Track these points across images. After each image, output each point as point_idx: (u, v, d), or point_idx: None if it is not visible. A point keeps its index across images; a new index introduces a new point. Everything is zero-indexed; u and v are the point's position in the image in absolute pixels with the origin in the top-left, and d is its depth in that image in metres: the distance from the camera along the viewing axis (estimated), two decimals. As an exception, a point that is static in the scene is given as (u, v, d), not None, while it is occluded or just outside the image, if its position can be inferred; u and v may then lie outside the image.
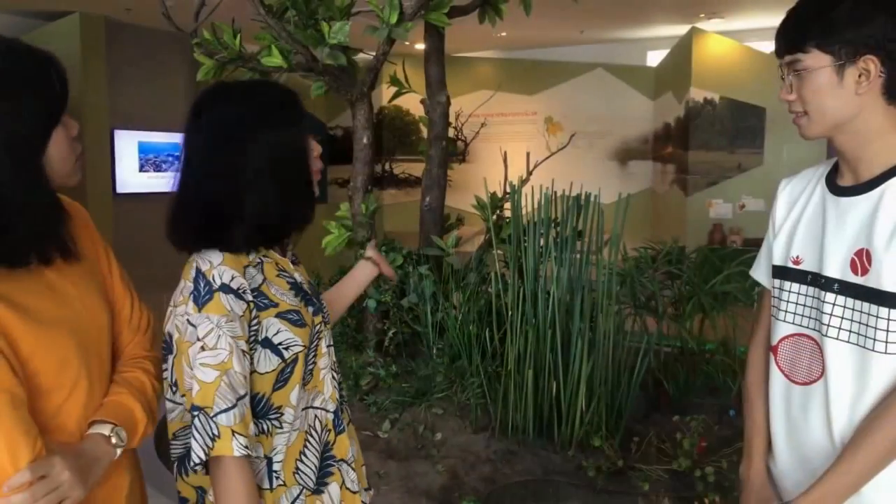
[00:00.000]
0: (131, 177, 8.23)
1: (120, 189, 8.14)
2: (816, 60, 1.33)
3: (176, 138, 8.22)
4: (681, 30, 9.38)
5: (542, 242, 3.80)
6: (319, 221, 4.80)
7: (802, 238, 1.47)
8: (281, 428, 1.32)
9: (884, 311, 1.28)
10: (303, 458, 1.37)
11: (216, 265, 1.27)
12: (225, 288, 1.25)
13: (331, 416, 1.45)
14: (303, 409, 1.38)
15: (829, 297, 1.37)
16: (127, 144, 8.19)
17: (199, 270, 1.28)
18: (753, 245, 8.10)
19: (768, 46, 8.46)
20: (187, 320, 1.25)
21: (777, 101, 1.45)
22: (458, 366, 3.94)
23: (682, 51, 9.15)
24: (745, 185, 8.68)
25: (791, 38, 1.36)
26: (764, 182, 8.57)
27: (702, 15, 9.35)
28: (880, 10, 1.28)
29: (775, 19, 1.43)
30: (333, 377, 1.48)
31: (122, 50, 8.11)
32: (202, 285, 1.26)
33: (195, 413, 1.21)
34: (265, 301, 1.31)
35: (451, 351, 4.00)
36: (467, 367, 3.87)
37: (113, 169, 8.10)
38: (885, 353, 1.29)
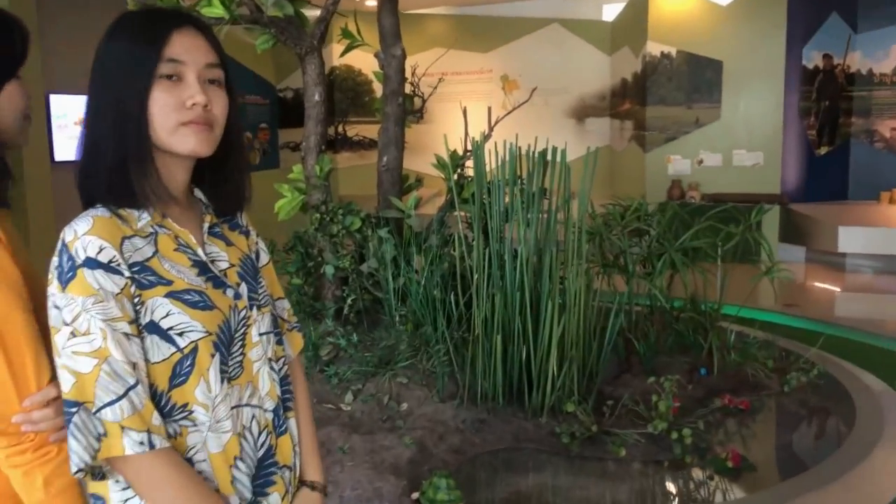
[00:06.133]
0: (71, 143, 7.77)
1: (59, 157, 7.69)
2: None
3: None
4: (636, -17, 9.19)
5: (506, 201, 3.63)
6: (271, 185, 4.56)
7: None
8: (195, 426, 1.12)
9: None
10: (238, 464, 1.17)
11: (81, 234, 1.06)
12: (91, 262, 1.05)
13: (270, 416, 1.25)
14: (233, 408, 1.17)
15: None
16: (64, 109, 7.72)
17: (63, 242, 1.07)
18: (711, 200, 8.10)
19: (725, -2, 8.35)
20: (53, 303, 1.06)
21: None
22: (422, 332, 3.77)
23: (639, 4, 8.98)
24: (702, 140, 8.62)
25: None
26: (722, 137, 8.52)
27: (657, -33, 9.18)
28: None
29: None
30: (273, 369, 1.27)
31: (54, 7, 7.61)
32: (65, 260, 1.06)
33: (72, 410, 1.02)
34: (151, 278, 1.09)
35: (414, 317, 3.82)
36: (432, 333, 3.70)
37: (50, 136, 7.64)
38: None
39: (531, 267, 3.49)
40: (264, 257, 1.36)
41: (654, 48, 8.63)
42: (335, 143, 10.52)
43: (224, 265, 1.22)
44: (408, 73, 4.48)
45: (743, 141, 8.49)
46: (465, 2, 10.44)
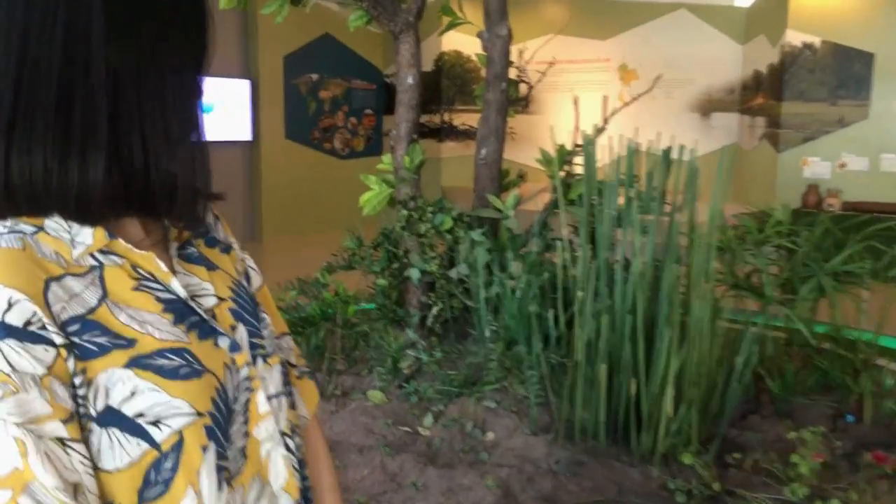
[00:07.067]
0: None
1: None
2: None
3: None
4: (777, -36, 8.31)
5: (620, 203, 3.10)
6: (356, 176, 4.19)
7: None
8: None
9: None
10: None
11: None
12: None
13: None
14: None
15: None
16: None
17: None
18: (852, 209, 7.20)
19: (882, -19, 7.38)
20: None
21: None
22: (514, 352, 3.30)
23: (779, -12, 8.11)
24: (846, 141, 7.69)
25: None
26: (869, 138, 7.58)
27: (802, -53, 8.26)
28: None
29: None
30: (289, 450, 0.82)
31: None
32: None
33: None
34: (101, 339, 0.66)
35: (506, 334, 3.36)
36: (526, 354, 3.23)
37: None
38: None
39: (646, 284, 2.96)
40: (256, 279, 0.93)
41: (794, 37, 7.76)
42: (440, 131, 10.14)
43: (210, 301, 0.79)
44: (514, 58, 4.00)
45: (894, 144, 7.52)
46: (585, -14, 9.80)
